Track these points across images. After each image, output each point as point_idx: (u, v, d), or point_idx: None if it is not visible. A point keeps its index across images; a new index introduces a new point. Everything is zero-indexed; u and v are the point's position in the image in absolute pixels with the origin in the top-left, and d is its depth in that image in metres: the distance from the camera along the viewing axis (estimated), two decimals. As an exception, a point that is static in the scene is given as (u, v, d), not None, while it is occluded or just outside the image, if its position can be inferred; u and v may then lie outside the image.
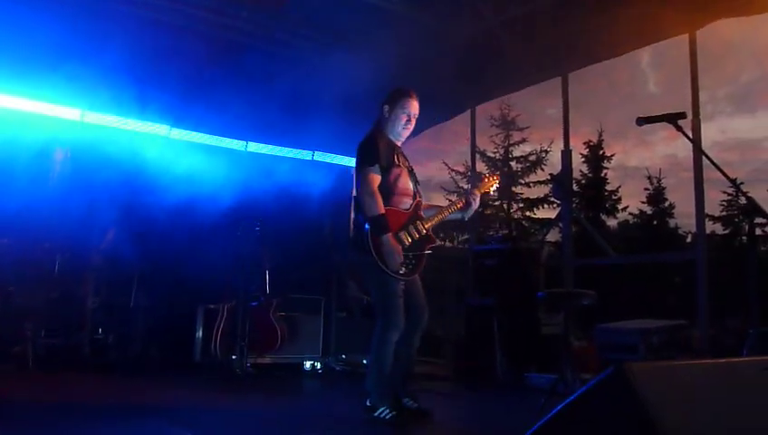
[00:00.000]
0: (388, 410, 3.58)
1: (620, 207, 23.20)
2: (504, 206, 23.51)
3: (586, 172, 23.59)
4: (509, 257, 6.41)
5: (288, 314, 6.19)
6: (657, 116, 2.84)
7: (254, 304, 5.92)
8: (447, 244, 23.68)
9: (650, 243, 20.71)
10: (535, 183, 23.07)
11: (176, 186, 6.15)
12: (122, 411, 3.82)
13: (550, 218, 21.70)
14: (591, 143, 23.61)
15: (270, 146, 8.03)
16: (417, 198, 3.89)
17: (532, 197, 23.12)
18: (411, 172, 3.94)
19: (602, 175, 23.54)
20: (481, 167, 22.46)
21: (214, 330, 5.94)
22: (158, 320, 6.55)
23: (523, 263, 6.45)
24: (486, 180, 4.17)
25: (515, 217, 23.33)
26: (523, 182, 23.30)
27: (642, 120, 2.41)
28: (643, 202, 23.22)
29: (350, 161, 8.91)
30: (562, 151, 7.15)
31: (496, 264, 6.55)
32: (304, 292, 6.55)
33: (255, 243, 5.92)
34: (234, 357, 5.75)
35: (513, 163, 23.50)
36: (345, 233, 8.81)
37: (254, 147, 7.92)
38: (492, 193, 4.24)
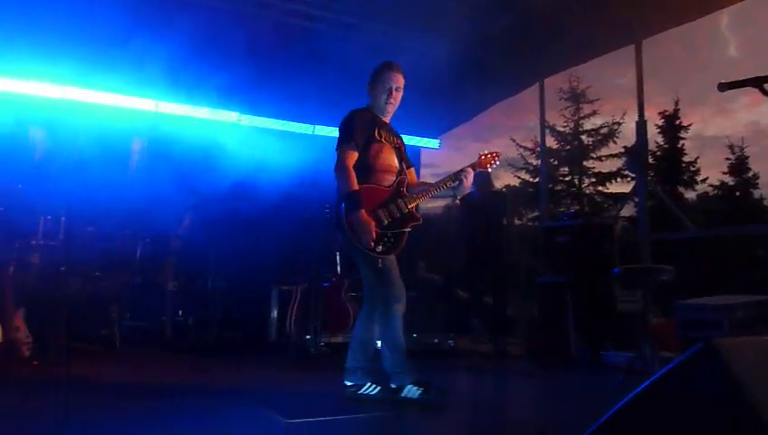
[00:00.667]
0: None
1: (699, 178, 22.27)
2: (575, 181, 22.94)
3: (661, 143, 22.75)
4: (582, 233, 6.26)
5: (359, 294, 6.24)
6: (742, 80, 2.67)
7: (325, 284, 6.01)
8: (516, 221, 23.36)
9: (732, 215, 19.79)
10: (607, 157, 22.40)
11: (247, 171, 6.28)
12: (207, 392, 3.96)
13: (623, 193, 21.02)
14: (667, 113, 22.72)
15: (335, 128, 8.07)
16: (402, 176, 3.76)
17: (604, 171, 22.48)
18: (397, 149, 3.82)
19: (679, 146, 22.63)
20: (550, 142, 21.97)
21: (288, 311, 6.07)
22: (234, 302, 6.76)
23: (597, 239, 6.28)
24: (483, 158, 3.94)
25: (587, 192, 22.73)
26: (594, 156, 22.65)
27: (725, 86, 2.28)
28: (724, 173, 22.27)
29: (418, 141, 8.88)
30: (637, 122, 6.90)
31: (568, 240, 6.40)
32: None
33: (326, 225, 5.99)
34: (308, 337, 5.87)
35: (583, 137, 22.87)
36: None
37: (321, 130, 8.00)
38: (489, 170, 4.04)
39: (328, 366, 5.29)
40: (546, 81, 8.17)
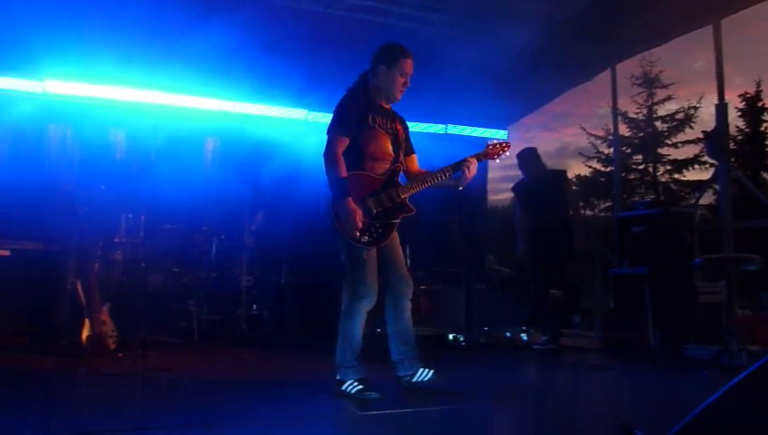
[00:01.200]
0: (355, 384, 3.41)
1: (785, 163, 21.13)
2: (650, 169, 22.17)
3: (743, 127, 21.71)
4: (659, 223, 6.03)
5: (430, 286, 6.24)
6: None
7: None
8: (588, 212, 22.80)
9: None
10: (683, 143, 21.53)
11: (316, 167, 6.35)
12: (282, 384, 4.04)
13: (702, 180, 20.19)
14: (748, 95, 21.66)
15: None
16: (397, 164, 3.59)
17: (680, 158, 21.63)
18: (394, 135, 3.62)
19: (762, 129, 21.53)
20: (623, 129, 21.32)
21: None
22: (307, 296, 6.87)
23: (676, 228, 6.04)
24: (491, 148, 3.74)
25: (662, 180, 21.93)
26: (669, 143, 21.82)
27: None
28: (812, 156, 21.03)
29: (484, 132, 8.78)
30: (717, 106, 6.61)
31: (645, 230, 6.18)
32: (445, 265, 6.56)
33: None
34: (378, 331, 5.90)
35: (657, 123, 22.07)
36: (482, 205, 8.74)
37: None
38: (497, 161, 3.83)
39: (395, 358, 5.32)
40: (618, 66, 7.93)
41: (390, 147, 3.59)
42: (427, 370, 3.56)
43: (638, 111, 22.30)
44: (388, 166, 3.56)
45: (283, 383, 4.02)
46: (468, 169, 3.59)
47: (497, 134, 8.99)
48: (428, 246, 6.39)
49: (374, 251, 3.50)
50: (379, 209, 3.46)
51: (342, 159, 3.44)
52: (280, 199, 6.49)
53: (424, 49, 7.01)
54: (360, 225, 3.35)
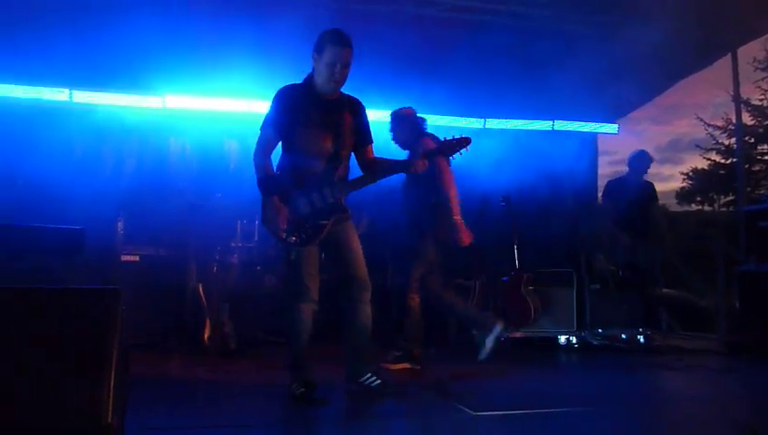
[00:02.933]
0: (296, 386, 3.33)
1: None
2: (778, 160, 20.60)
3: None
4: (790, 216, 5.60)
5: (540, 287, 6.10)
6: None
7: (504, 279, 5.94)
8: (707, 207, 21.50)
9: None
10: (815, 130, 19.83)
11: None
12: (395, 383, 4.08)
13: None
14: None
15: (507, 120, 7.99)
16: (335, 163, 3.39)
17: (812, 146, 19.94)
18: (336, 129, 3.39)
19: None
20: (745, 118, 19.91)
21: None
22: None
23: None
24: (446, 147, 3.51)
25: (792, 171, 20.31)
26: (799, 130, 20.18)
27: None
28: None
29: (595, 126, 8.51)
30: None
31: (775, 225, 5.76)
32: (555, 265, 6.39)
33: (503, 218, 5.93)
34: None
35: (784, 110, 20.46)
36: (588, 202, 8.46)
37: (492, 123, 7.94)
38: (453, 158, 3.64)
39: (510, 361, 5.25)
40: (739, 50, 7.42)
41: (329, 143, 3.40)
42: (375, 377, 3.48)
43: (762, 97, 20.77)
44: (324, 163, 3.39)
45: (395, 383, 4.06)
46: (416, 169, 3.47)
47: (607, 129, 8.67)
48: (536, 247, 6.26)
49: (311, 251, 3.42)
50: (310, 209, 3.34)
51: (269, 156, 3.38)
52: (384, 201, 6.56)
53: (528, 44, 6.91)
54: (284, 225, 3.29)
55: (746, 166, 19.00)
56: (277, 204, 3.30)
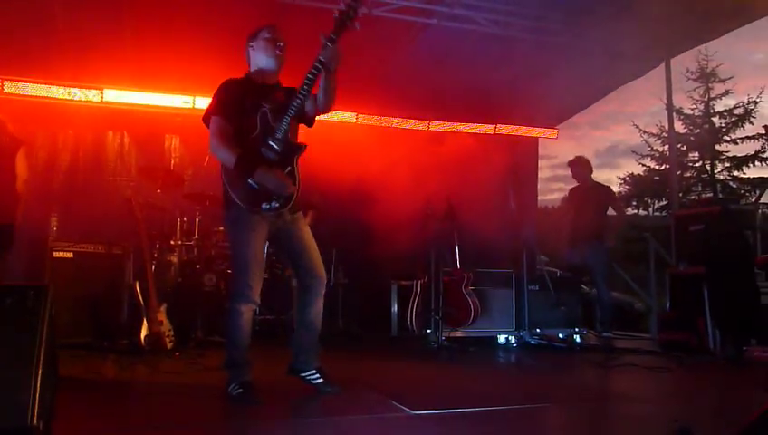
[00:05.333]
0: (235, 386, 3.26)
1: None
2: (707, 166, 21.49)
3: (807, 121, 20.84)
4: (718, 221, 5.85)
5: (479, 288, 6.20)
6: None
7: (445, 279, 6.01)
8: (642, 212, 22.26)
9: None
10: (743, 139, 20.77)
11: (365, 169, 6.39)
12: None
13: (763, 177, 19.46)
14: (812, 87, 20.74)
15: (451, 124, 8.11)
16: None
17: (739, 154, 20.89)
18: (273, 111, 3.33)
19: (827, 122, 20.62)
20: (678, 126, 20.72)
21: (409, 305, 6.13)
22: (357, 297, 6.93)
23: (736, 226, 5.85)
24: (338, 17, 3.17)
25: (720, 178, 21.23)
26: (728, 139, 21.10)
27: None
28: None
29: (535, 131, 8.69)
30: (778, 99, 6.36)
31: (703, 229, 6.01)
32: (495, 266, 6.51)
33: (445, 219, 6.00)
34: (428, 331, 5.90)
35: (715, 119, 21.37)
36: (530, 203, 8.64)
37: (436, 126, 8.03)
38: (357, 27, 3.17)
39: (450, 359, 5.31)
40: (672, 61, 7.72)
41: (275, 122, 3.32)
42: (318, 375, 3.47)
43: (693, 106, 21.67)
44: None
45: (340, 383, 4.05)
46: (329, 61, 3.21)
47: (547, 134, 8.89)
48: (476, 248, 6.36)
49: (260, 250, 3.40)
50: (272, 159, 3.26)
51: (230, 140, 3.29)
52: (330, 202, 6.54)
53: (472, 50, 7.01)
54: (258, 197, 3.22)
55: (678, 172, 19.77)
56: (269, 170, 3.23)
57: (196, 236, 6.08)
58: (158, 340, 4.92)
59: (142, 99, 7.03)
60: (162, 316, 5.02)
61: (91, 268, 5.53)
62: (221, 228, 6.22)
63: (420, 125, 7.99)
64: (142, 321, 4.92)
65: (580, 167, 6.97)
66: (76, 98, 6.82)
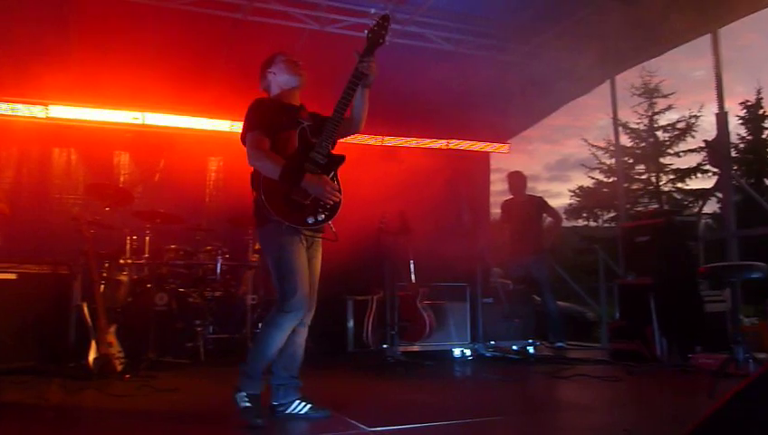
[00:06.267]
0: (245, 396, 3.19)
1: (788, 169, 21.16)
2: (652, 179, 22.19)
3: (744, 135, 21.76)
4: (663, 232, 6.03)
5: (435, 302, 6.24)
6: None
7: (400, 293, 6.02)
8: (592, 223, 22.80)
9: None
10: (685, 152, 21.58)
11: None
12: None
13: (705, 188, 20.18)
14: (749, 103, 21.74)
15: (404, 139, 8.18)
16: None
17: (682, 167, 21.67)
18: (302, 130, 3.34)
19: (764, 136, 21.57)
20: (625, 140, 21.39)
21: (365, 320, 6.13)
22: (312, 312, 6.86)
23: (680, 237, 6.04)
24: (370, 34, 3.27)
25: (665, 189, 21.94)
26: (671, 152, 21.87)
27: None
28: (816, 162, 21.09)
29: (487, 146, 8.82)
30: (717, 114, 6.63)
31: (649, 240, 6.19)
32: (449, 279, 6.56)
33: (398, 234, 6.03)
34: (384, 346, 5.90)
35: (659, 133, 22.13)
36: (483, 216, 8.76)
37: (389, 141, 8.09)
38: (386, 43, 3.30)
39: (406, 374, 5.31)
40: (617, 77, 7.98)
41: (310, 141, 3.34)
42: (303, 403, 3.39)
43: (639, 121, 22.40)
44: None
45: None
46: (368, 72, 3.28)
47: (498, 148, 9.05)
48: (431, 262, 6.40)
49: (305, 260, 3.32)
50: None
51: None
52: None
53: (425, 66, 7.10)
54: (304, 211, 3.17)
55: (626, 184, 20.34)
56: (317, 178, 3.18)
57: (147, 255, 5.97)
58: (108, 362, 4.79)
59: (89, 115, 6.89)
60: (112, 338, 4.89)
61: (36, 289, 5.33)
62: (172, 246, 6.13)
63: (373, 140, 8.04)
64: (91, 343, 4.78)
65: (518, 180, 7.31)
66: (20, 113, 6.64)
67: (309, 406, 3.40)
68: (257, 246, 6.81)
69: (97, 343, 4.79)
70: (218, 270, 6.24)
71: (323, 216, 3.23)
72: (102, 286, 5.18)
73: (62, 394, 4.18)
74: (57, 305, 5.40)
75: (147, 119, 6.89)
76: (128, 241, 5.94)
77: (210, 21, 6.20)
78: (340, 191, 3.30)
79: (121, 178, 7.28)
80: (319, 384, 4.77)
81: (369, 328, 6.12)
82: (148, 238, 6.01)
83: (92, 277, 5.04)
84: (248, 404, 3.18)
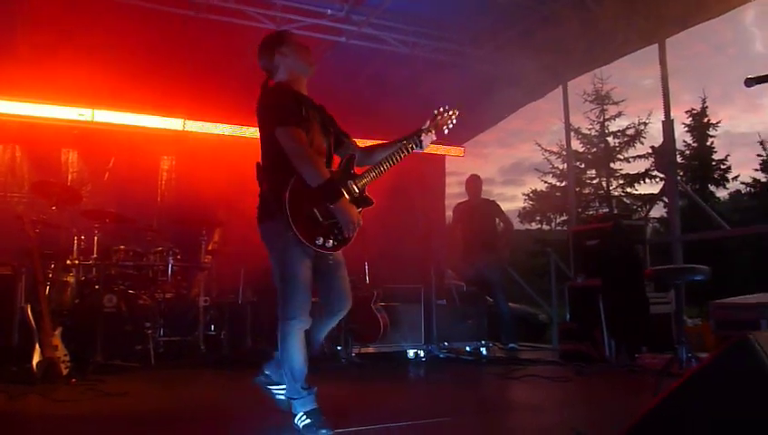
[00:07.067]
0: (303, 416, 3.01)
1: (730, 176, 21.98)
2: (603, 183, 22.72)
3: (690, 142, 22.49)
4: (612, 236, 6.18)
5: (388, 303, 6.26)
6: (768, 75, 2.63)
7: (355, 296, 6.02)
8: (545, 226, 23.21)
9: (766, 212, 19.44)
10: (635, 158, 22.19)
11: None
12: (242, 405, 3.99)
13: (653, 194, 20.77)
14: (694, 111, 22.49)
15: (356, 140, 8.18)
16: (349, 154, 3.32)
17: (632, 172, 22.26)
18: (327, 128, 3.25)
19: (708, 144, 22.35)
20: (576, 145, 21.85)
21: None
22: (265, 315, 6.81)
23: (627, 241, 6.21)
24: (439, 118, 3.41)
25: (615, 194, 22.51)
26: (621, 157, 22.44)
27: (752, 81, 2.23)
28: (756, 170, 21.98)
29: (442, 149, 8.89)
30: (663, 122, 6.83)
31: (598, 243, 6.34)
32: (403, 281, 6.59)
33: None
34: (339, 348, 5.89)
35: (609, 139, 22.68)
36: (438, 219, 8.83)
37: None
38: (445, 132, 3.46)
39: (360, 376, 5.32)
40: (569, 83, 8.15)
41: (322, 138, 3.19)
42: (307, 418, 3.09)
43: (590, 127, 22.91)
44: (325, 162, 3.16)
45: (242, 404, 3.97)
46: (424, 141, 3.35)
47: (454, 152, 9.14)
48: (385, 264, 6.42)
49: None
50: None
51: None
52: (236, 215, 6.44)
53: (380, 68, 7.13)
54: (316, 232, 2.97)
55: (577, 189, 20.78)
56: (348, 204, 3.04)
57: (95, 255, 5.82)
58: (53, 366, 4.64)
59: (35, 111, 6.69)
60: (57, 341, 4.74)
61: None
62: (122, 247, 5.99)
63: (328, 141, 8.02)
64: (34, 346, 4.63)
65: (476, 183, 7.42)
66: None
67: (309, 421, 3.03)
68: (210, 247, 6.75)
69: (41, 347, 4.64)
70: (169, 271, 6.12)
71: (333, 243, 3.06)
72: (48, 287, 5.03)
73: (3, 399, 4.04)
74: (0, 307, 5.22)
75: (96, 116, 6.72)
76: (75, 241, 5.78)
77: (162, 17, 6.09)
78: (343, 238, 3.12)
79: (69, 177, 7.08)
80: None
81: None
82: (96, 238, 5.86)
83: (37, 278, 4.89)
84: (307, 421, 3.00)
